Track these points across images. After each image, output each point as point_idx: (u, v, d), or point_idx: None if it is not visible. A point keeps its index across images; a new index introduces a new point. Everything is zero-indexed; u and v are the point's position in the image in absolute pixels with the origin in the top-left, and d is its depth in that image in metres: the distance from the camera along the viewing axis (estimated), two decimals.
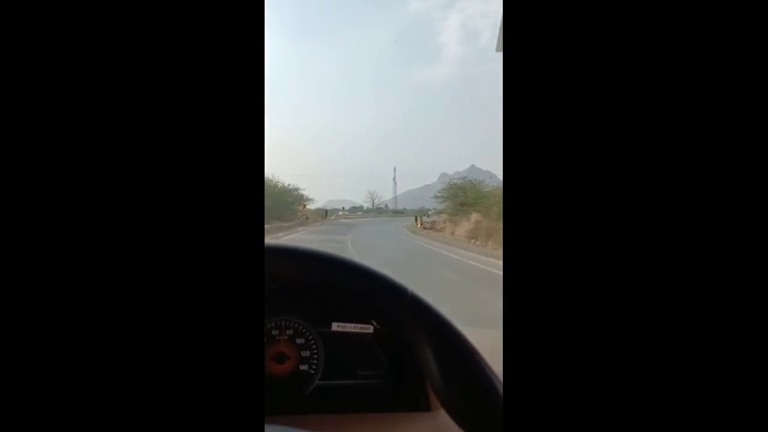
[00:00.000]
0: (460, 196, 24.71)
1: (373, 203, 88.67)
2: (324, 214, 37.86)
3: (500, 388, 0.29)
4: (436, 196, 28.63)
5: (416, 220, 32.07)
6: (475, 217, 18.00)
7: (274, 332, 0.56)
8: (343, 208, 71.35)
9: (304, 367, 0.56)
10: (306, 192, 31.76)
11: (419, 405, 0.53)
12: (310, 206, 34.95)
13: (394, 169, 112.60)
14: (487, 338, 0.36)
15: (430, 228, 25.12)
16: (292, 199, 28.38)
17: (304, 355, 0.56)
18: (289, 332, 0.56)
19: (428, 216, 30.09)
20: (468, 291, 5.48)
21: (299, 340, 0.56)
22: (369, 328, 0.54)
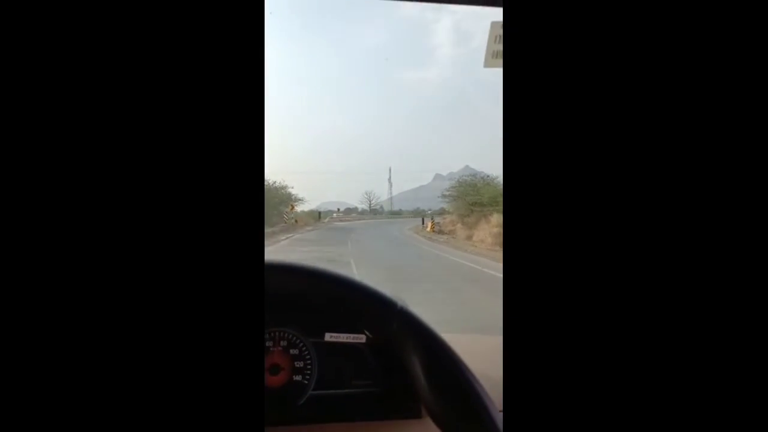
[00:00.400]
0: (471, 194, 21.06)
1: (370, 204, 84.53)
2: (317, 216, 33.51)
3: (485, 398, 0.30)
4: (443, 195, 25.16)
5: (423, 222, 28.24)
6: (497, 218, 14.25)
7: (268, 343, 0.57)
8: (338, 209, 66.93)
9: (297, 378, 0.57)
10: (296, 191, 27.37)
11: (411, 412, 0.55)
12: (302, 207, 30.66)
13: (390, 170, 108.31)
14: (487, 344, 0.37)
15: (439, 231, 21.34)
16: (279, 199, 23.96)
17: (297, 365, 0.57)
18: (283, 343, 0.57)
19: (431, 217, 25.99)
20: None
21: (293, 351, 0.57)
22: (362, 338, 0.55)
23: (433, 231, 21.83)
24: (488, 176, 22.75)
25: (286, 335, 0.57)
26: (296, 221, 24.50)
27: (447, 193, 24.32)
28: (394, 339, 0.32)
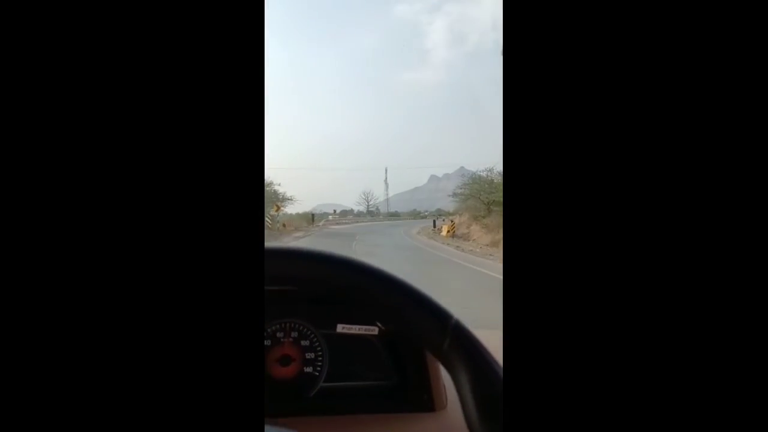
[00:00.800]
0: (488, 191, 17.32)
1: (368, 205, 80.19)
2: (310, 218, 29.13)
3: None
4: (455, 193, 21.68)
5: (435, 225, 24.12)
6: None
7: (278, 335, 0.56)
8: (335, 211, 62.40)
9: (308, 369, 0.56)
10: (283, 189, 22.97)
11: (423, 406, 0.53)
12: (293, 209, 26.38)
13: (386, 170, 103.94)
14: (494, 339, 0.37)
15: (453, 236, 17.30)
16: None
17: (308, 357, 0.56)
18: (294, 334, 0.56)
19: (450, 219, 22.00)
20: None
21: (304, 342, 0.56)
22: (374, 330, 0.54)
23: (451, 235, 17.74)
24: None
25: (296, 326, 0.56)
26: (284, 225, 20.20)
27: (459, 191, 20.93)
28: (444, 353, 0.31)
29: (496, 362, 0.30)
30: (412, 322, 0.31)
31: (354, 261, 0.32)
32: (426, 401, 0.53)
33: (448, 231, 18.61)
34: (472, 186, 19.89)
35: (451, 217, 24.78)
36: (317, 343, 0.56)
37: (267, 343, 0.55)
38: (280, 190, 22.33)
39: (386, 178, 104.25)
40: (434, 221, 25.58)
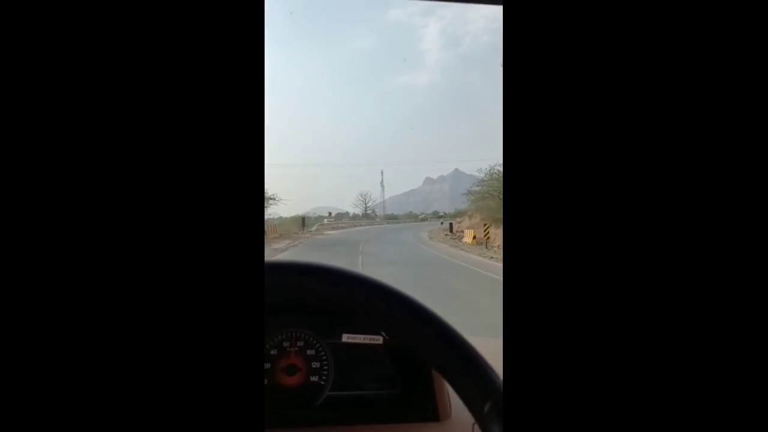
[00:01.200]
0: None
1: (365, 207, 76.08)
2: (300, 222, 24.79)
3: None
4: (470, 191, 18.61)
5: (451, 229, 20.10)
6: None
7: (285, 344, 0.57)
8: (330, 213, 57.96)
9: (314, 379, 0.57)
10: (270, 189, 18.76)
11: (428, 415, 0.53)
12: (282, 210, 22.18)
13: (382, 173, 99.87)
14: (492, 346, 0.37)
15: (486, 244, 13.32)
16: None
17: (314, 366, 0.57)
18: (300, 344, 0.57)
19: (486, 224, 18.09)
20: None
21: (309, 352, 0.57)
22: (378, 339, 0.55)
23: (483, 243, 13.70)
24: None
25: (303, 336, 0.57)
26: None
27: (476, 188, 17.53)
28: (482, 418, 0.29)
29: None
30: (459, 378, 0.29)
31: (410, 299, 0.30)
32: (430, 411, 0.53)
33: (475, 237, 14.56)
34: (491, 183, 16.18)
35: (458, 219, 21.05)
36: (323, 353, 0.56)
37: (273, 352, 0.56)
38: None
39: (382, 180, 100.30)
40: (450, 225, 21.64)
